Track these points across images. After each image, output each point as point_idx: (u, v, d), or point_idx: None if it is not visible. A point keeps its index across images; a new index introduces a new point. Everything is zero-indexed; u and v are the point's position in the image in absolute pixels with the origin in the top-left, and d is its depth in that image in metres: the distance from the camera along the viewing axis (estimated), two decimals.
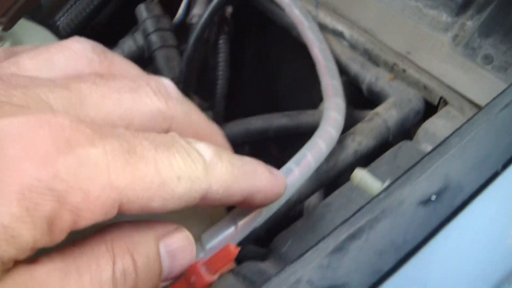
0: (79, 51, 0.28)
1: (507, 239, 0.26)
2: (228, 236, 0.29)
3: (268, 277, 0.29)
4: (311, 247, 0.26)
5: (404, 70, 0.47)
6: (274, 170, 0.29)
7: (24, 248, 0.20)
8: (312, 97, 0.56)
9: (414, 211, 0.26)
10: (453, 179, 0.27)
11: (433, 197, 0.26)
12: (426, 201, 0.26)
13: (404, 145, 0.41)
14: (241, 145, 0.60)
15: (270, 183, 0.28)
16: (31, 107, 0.22)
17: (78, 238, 0.24)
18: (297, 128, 0.49)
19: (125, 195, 0.22)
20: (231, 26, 0.60)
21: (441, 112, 0.44)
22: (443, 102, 0.45)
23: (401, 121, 0.45)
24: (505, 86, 0.34)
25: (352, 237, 0.26)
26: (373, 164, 0.40)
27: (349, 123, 0.46)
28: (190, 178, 0.24)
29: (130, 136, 0.23)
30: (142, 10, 0.58)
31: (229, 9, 0.61)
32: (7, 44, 0.37)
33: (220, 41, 0.58)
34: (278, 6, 0.53)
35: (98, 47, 0.29)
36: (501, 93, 0.31)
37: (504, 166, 0.27)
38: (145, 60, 0.55)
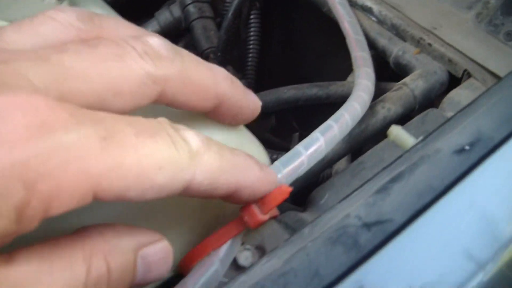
0: (64, 21, 0.26)
1: None
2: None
3: None
4: (356, 189, 0.29)
5: (430, 44, 0.50)
6: (265, 167, 0.29)
7: None
8: (337, 72, 0.59)
9: (449, 158, 0.29)
10: (484, 132, 0.30)
11: (467, 147, 0.29)
12: (460, 150, 0.29)
13: (431, 112, 0.44)
14: (268, 116, 0.63)
15: (259, 179, 0.28)
16: (10, 84, 0.21)
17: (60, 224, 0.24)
18: (327, 97, 0.52)
19: (99, 183, 0.21)
20: (261, 2, 0.63)
21: (465, 84, 0.47)
22: (466, 74, 0.48)
23: (427, 91, 0.48)
24: None
25: (394, 180, 0.28)
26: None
27: (377, 94, 0.49)
28: (173, 168, 0.23)
29: (111, 121, 0.22)
30: None
31: None
32: (65, 3, 0.39)
33: (252, 16, 0.61)
34: None
35: (84, 14, 0.28)
36: None
37: None
38: (181, 31, 0.58)
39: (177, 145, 0.24)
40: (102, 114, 0.22)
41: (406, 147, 0.34)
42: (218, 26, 0.58)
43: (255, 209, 0.30)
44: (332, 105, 0.51)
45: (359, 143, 0.45)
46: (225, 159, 0.25)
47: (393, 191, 0.28)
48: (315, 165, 0.35)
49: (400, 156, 0.30)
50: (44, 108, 0.21)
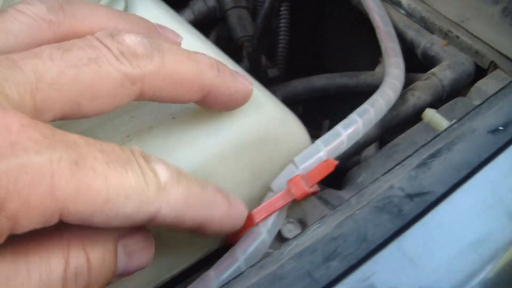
0: (35, 15, 0.26)
1: None
2: (318, 158, 0.34)
3: None
4: (397, 164, 0.32)
5: (457, 37, 0.52)
6: (236, 201, 0.29)
7: None
8: (362, 65, 0.61)
9: (484, 137, 0.31)
10: None
11: (501, 128, 0.31)
12: (494, 130, 0.31)
13: (460, 100, 0.46)
14: (297, 105, 0.65)
15: (226, 215, 0.28)
16: None
17: None
18: (356, 86, 0.54)
19: (66, 206, 0.21)
20: None
21: (492, 74, 0.49)
22: (493, 66, 0.50)
23: (454, 81, 0.50)
24: None
25: (433, 156, 0.31)
26: None
27: (405, 84, 0.51)
28: (139, 200, 0.23)
29: (84, 146, 0.22)
30: None
31: None
32: None
33: (283, 8, 0.64)
34: None
35: (54, 4, 0.27)
36: None
37: None
38: (214, 20, 0.60)
39: (146, 177, 0.24)
40: (75, 137, 0.23)
41: (440, 129, 0.37)
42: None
43: (301, 181, 0.33)
44: (357, 96, 0.53)
45: (391, 128, 0.47)
46: (192, 195, 0.25)
47: (433, 165, 0.30)
48: (349, 148, 0.37)
49: (438, 135, 0.32)
50: (16, 128, 0.21)
